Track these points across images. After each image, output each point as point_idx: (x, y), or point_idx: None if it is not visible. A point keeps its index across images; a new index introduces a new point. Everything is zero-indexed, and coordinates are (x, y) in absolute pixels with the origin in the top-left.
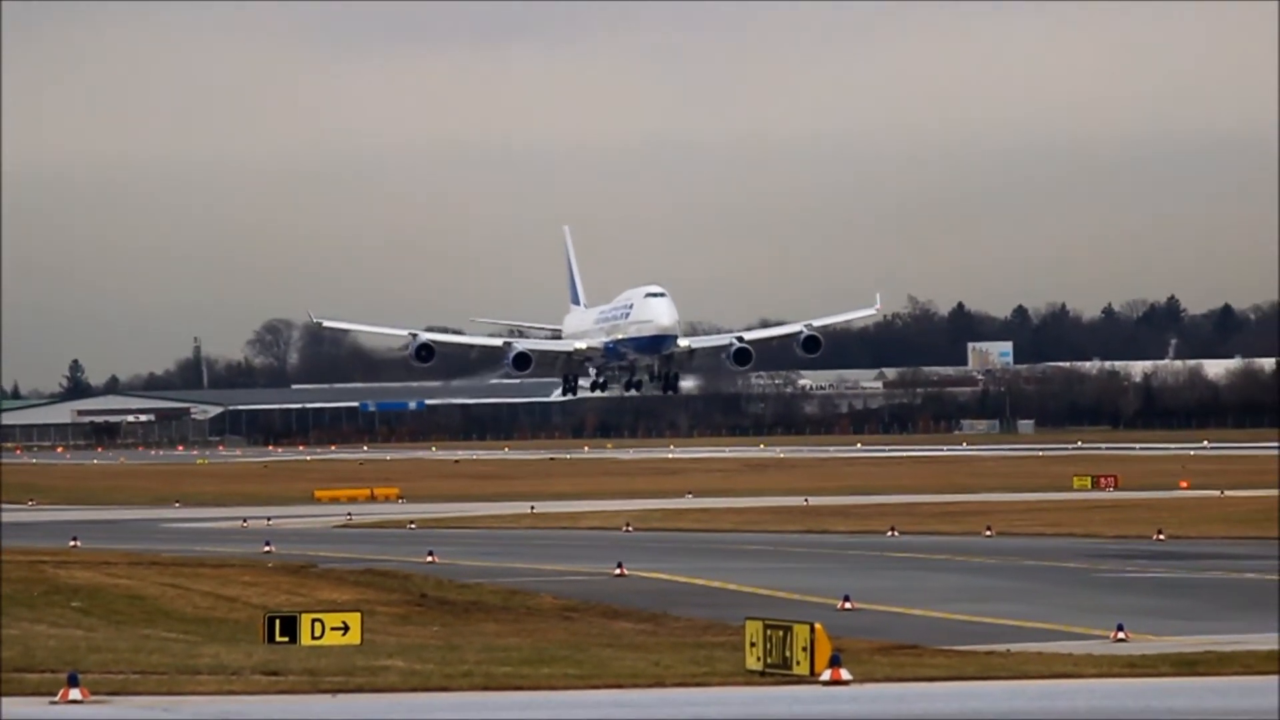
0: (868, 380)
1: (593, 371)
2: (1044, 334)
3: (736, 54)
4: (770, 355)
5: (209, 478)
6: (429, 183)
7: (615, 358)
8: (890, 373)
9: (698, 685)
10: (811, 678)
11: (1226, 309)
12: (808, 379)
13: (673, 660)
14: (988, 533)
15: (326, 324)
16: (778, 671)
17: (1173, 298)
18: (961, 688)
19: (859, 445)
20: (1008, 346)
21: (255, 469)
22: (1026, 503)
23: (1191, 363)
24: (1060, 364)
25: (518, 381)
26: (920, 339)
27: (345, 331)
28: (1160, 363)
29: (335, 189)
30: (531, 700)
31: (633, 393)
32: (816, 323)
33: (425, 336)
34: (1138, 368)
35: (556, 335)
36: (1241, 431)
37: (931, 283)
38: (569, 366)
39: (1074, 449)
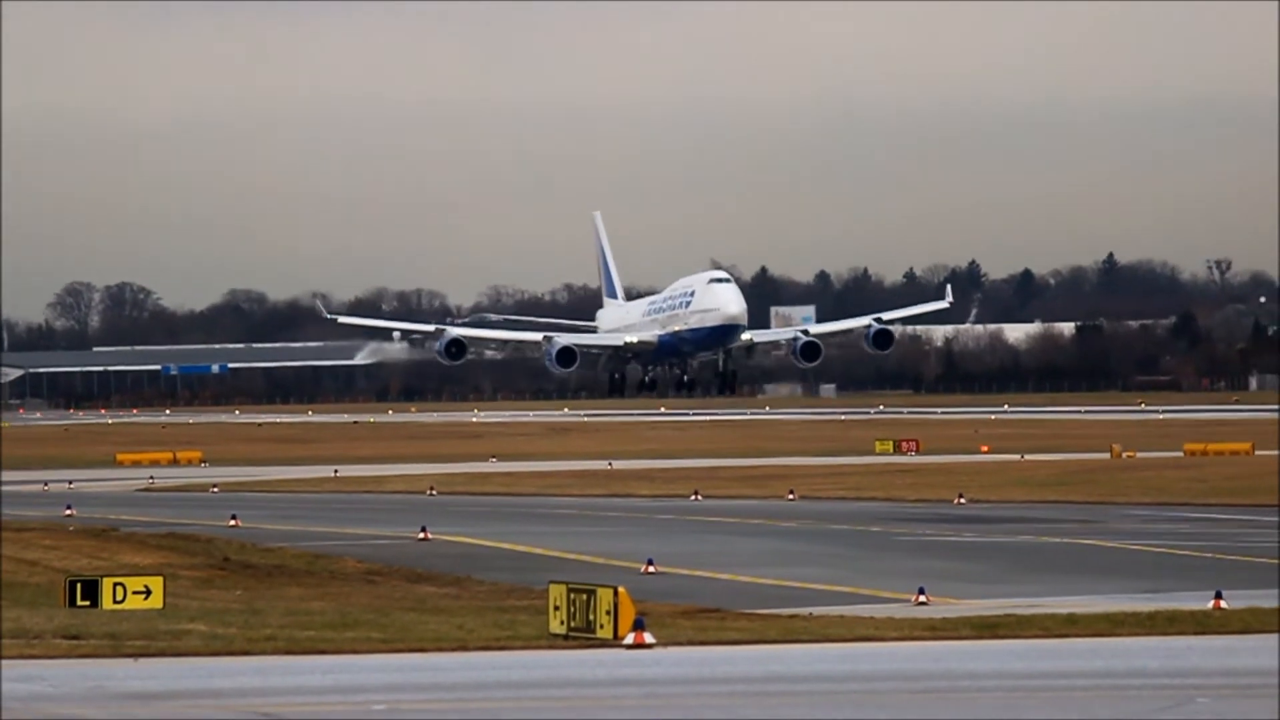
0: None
1: (639, 368)
2: (846, 298)
3: (530, 17)
4: (571, 320)
5: (9, 441)
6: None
7: (670, 352)
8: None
9: (501, 649)
10: (615, 641)
11: (1027, 274)
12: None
13: (476, 624)
14: (790, 496)
15: (341, 320)
16: (581, 635)
17: (973, 262)
18: (764, 651)
19: (662, 409)
20: (810, 311)
21: (56, 432)
22: (829, 466)
23: (992, 327)
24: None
25: (320, 345)
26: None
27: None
28: (961, 327)
29: (161, 150)
30: (335, 664)
31: (684, 393)
32: (886, 316)
33: (456, 331)
34: (939, 332)
35: (587, 332)
36: (1041, 395)
37: (735, 248)
38: (613, 363)
39: (876, 413)
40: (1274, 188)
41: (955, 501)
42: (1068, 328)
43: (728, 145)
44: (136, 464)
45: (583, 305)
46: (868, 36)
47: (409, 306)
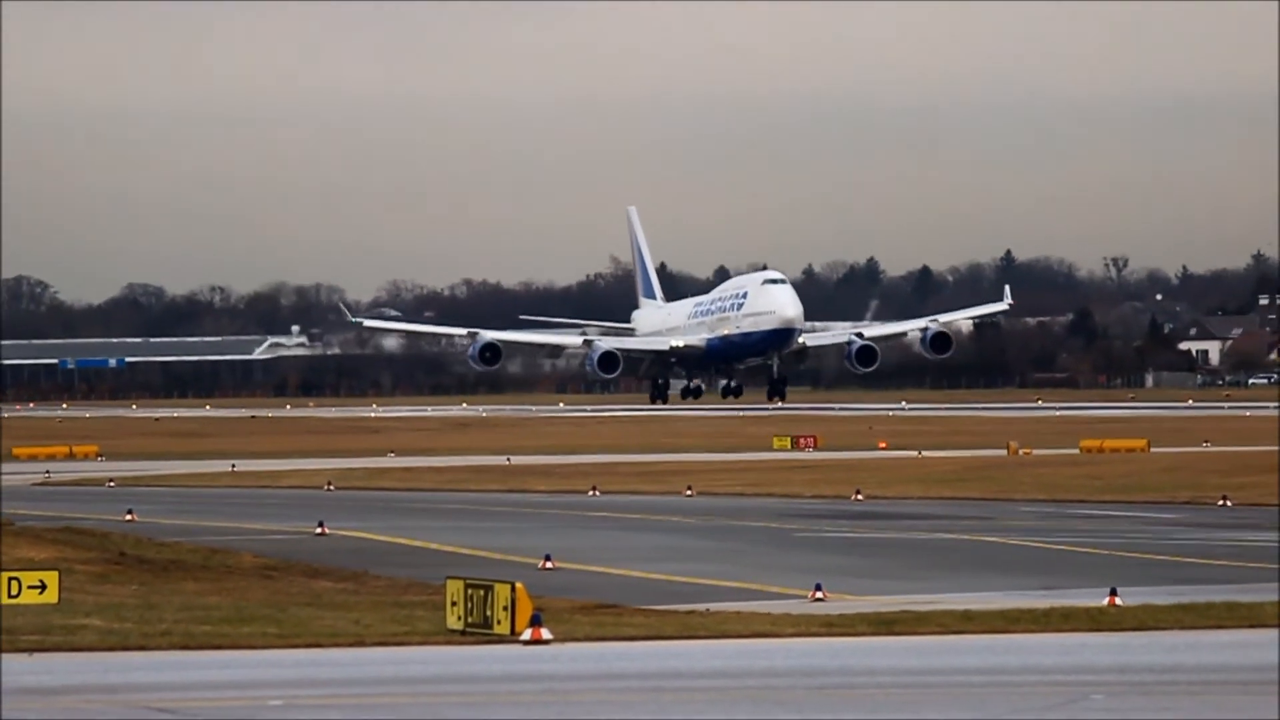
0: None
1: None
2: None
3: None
4: (472, 316)
5: None
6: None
7: (718, 357)
8: (593, 332)
9: (398, 644)
10: (512, 637)
11: (925, 271)
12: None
13: (373, 619)
14: (688, 492)
15: (367, 324)
16: (478, 631)
17: (872, 259)
18: (661, 647)
19: (561, 405)
20: None
21: None
22: (727, 463)
23: (889, 324)
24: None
25: (219, 339)
26: (624, 299)
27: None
28: (859, 324)
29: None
30: (231, 659)
31: (730, 400)
32: (943, 318)
33: (490, 335)
34: (838, 328)
35: (620, 334)
36: (939, 392)
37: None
38: (655, 368)
39: (774, 409)
40: (1171, 185)
41: (853, 498)
42: (966, 324)
43: (625, 138)
44: (33, 458)
45: (482, 301)
46: (775, 29)
47: (308, 301)
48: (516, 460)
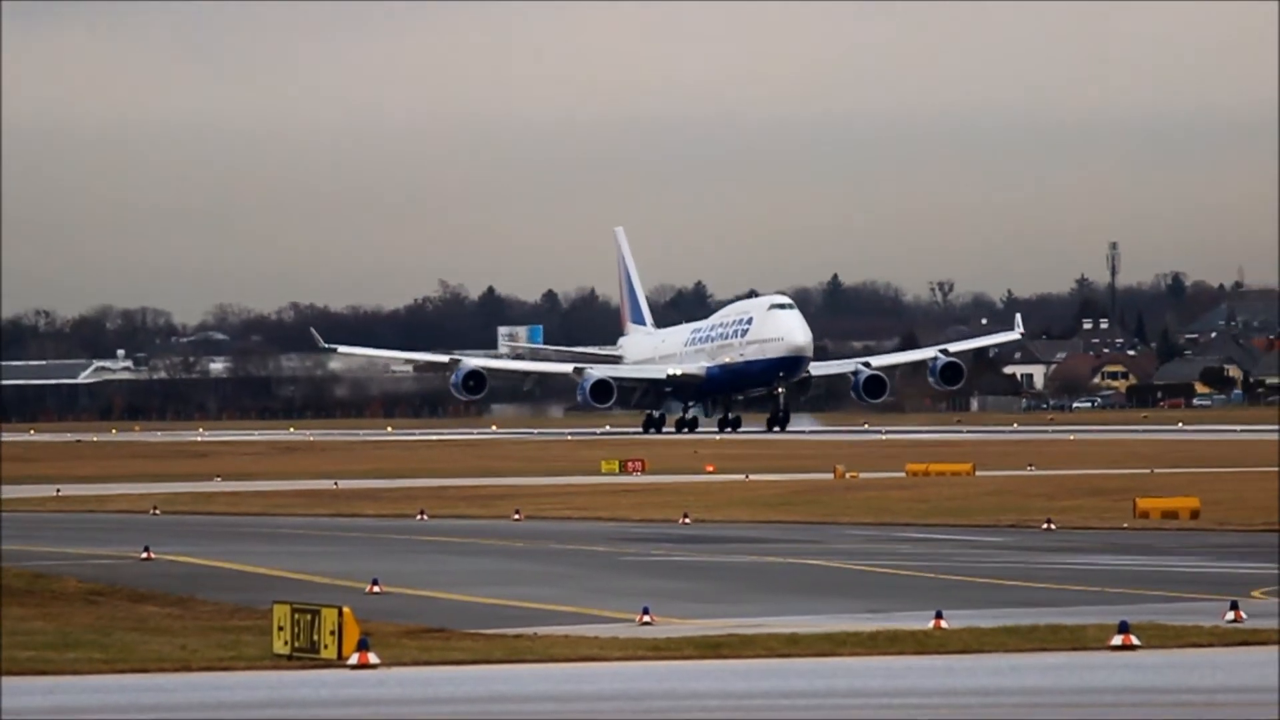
0: (398, 364)
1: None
2: (573, 318)
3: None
4: (299, 340)
5: None
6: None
7: (719, 386)
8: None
9: (224, 669)
10: (339, 661)
11: (752, 294)
12: (337, 363)
13: (199, 644)
14: (516, 516)
15: (341, 350)
16: (305, 655)
17: (700, 283)
18: (488, 671)
19: (389, 428)
20: (538, 330)
21: None
22: (555, 486)
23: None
24: (590, 349)
25: (43, 363)
26: (451, 323)
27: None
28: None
29: None
30: (56, 684)
31: (728, 432)
32: (953, 348)
33: (473, 363)
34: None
35: (607, 361)
36: (764, 414)
37: (461, 267)
38: (649, 397)
39: (603, 433)
40: (998, 209)
41: (680, 521)
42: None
43: (453, 161)
44: None
45: (309, 325)
46: (585, 50)
47: (134, 324)
48: (344, 484)
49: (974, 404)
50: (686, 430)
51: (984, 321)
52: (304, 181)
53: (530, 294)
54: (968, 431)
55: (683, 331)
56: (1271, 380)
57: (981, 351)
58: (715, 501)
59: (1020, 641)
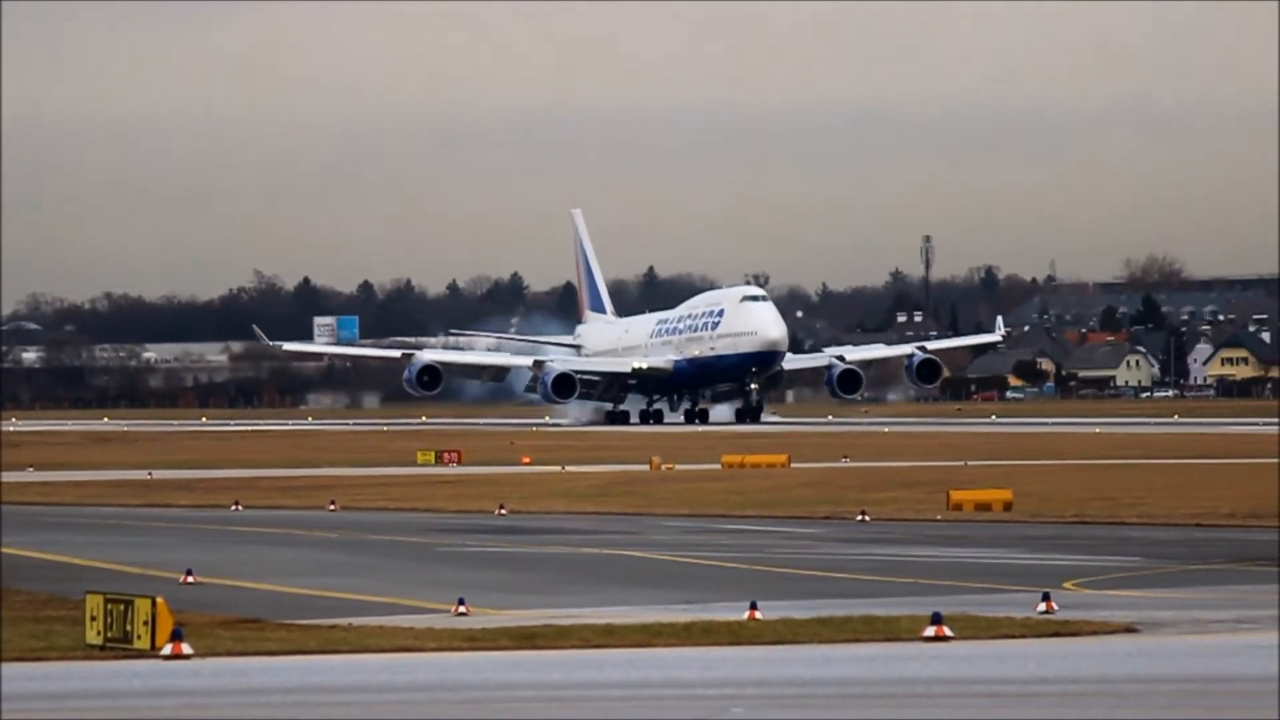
0: (214, 354)
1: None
2: (389, 309)
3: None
4: (113, 329)
5: None
6: None
7: (689, 380)
8: (236, 347)
9: (37, 659)
10: (153, 652)
11: (569, 286)
12: (152, 352)
13: (11, 634)
14: (332, 507)
15: (287, 347)
16: (118, 646)
17: (516, 274)
18: (304, 661)
19: (204, 419)
20: (352, 321)
21: None
22: (371, 477)
23: (534, 338)
24: (406, 339)
25: None
26: (267, 313)
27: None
28: (503, 338)
29: None
30: None
31: (696, 424)
32: (930, 345)
33: (428, 357)
34: (481, 343)
35: (565, 349)
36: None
37: (277, 257)
38: (612, 391)
39: (419, 424)
40: (813, 203)
41: (496, 512)
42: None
43: (270, 154)
44: None
45: (123, 315)
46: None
47: None
48: (158, 475)
49: (789, 396)
50: (652, 422)
51: (799, 314)
52: (121, 171)
53: (346, 285)
54: (783, 423)
55: (648, 322)
56: (1084, 374)
57: (798, 344)
58: (531, 493)
59: (834, 632)
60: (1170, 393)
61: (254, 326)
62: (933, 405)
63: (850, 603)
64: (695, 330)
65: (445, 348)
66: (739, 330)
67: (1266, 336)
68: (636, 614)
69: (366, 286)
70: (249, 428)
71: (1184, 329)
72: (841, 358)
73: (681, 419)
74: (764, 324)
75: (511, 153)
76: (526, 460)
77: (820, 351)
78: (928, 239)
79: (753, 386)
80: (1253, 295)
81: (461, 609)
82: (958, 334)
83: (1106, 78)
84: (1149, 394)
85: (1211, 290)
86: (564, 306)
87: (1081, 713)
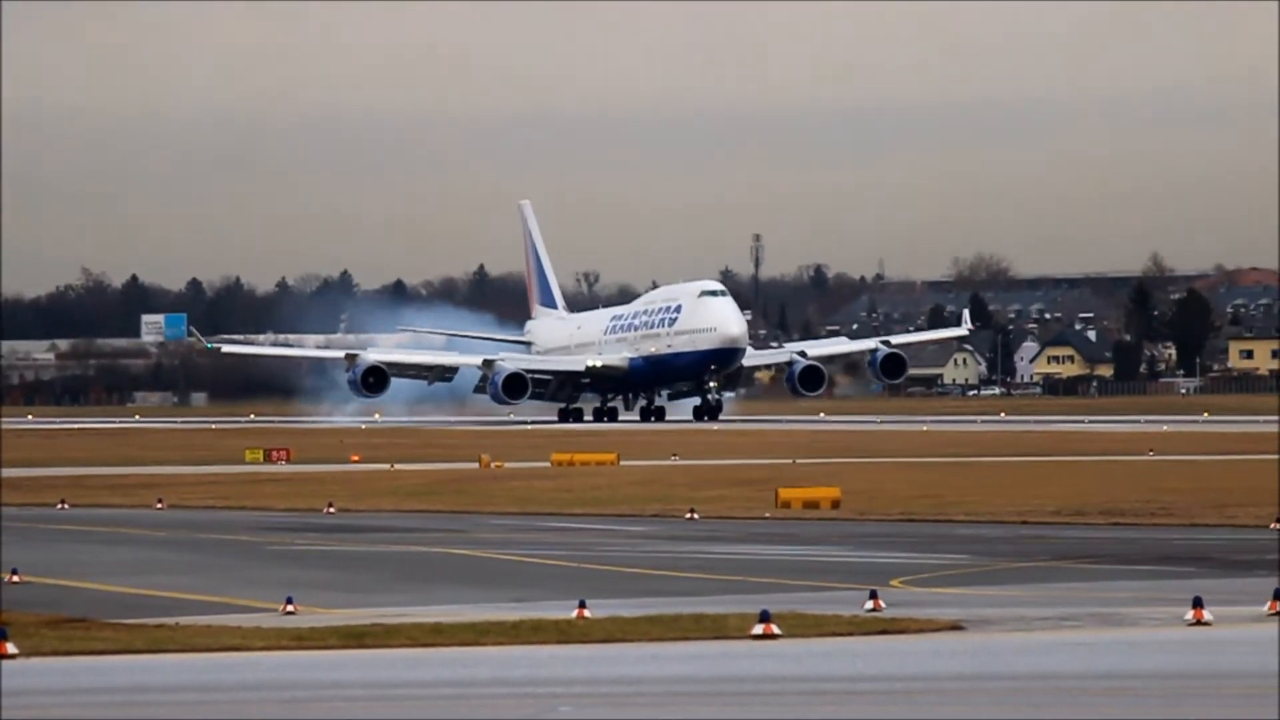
0: (39, 352)
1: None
2: (218, 307)
3: None
4: None
5: None
6: None
7: (645, 379)
8: (63, 344)
9: None
10: None
11: (399, 284)
12: None
13: None
14: (159, 505)
15: (225, 349)
16: None
17: (346, 273)
18: (130, 661)
19: (30, 417)
20: (180, 318)
21: None
22: (199, 475)
23: (364, 336)
24: (234, 337)
25: None
26: (94, 310)
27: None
28: (333, 336)
29: None
30: None
31: (653, 422)
32: (895, 340)
33: (373, 357)
34: (311, 341)
35: (515, 345)
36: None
37: (104, 254)
38: (565, 390)
39: (247, 422)
40: (637, 199)
41: (325, 510)
42: (439, 337)
43: (96, 150)
44: None
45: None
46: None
47: None
48: None
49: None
50: (606, 420)
51: None
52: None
53: (174, 282)
54: (610, 421)
55: (601, 318)
56: (911, 372)
57: None
58: (360, 491)
59: (663, 630)
60: (997, 390)
61: (190, 328)
62: (760, 403)
63: (679, 601)
64: (651, 327)
65: (275, 344)
66: (697, 327)
67: (1092, 335)
68: (465, 613)
69: (195, 284)
70: (76, 425)
71: (1011, 327)
72: (803, 354)
73: (637, 416)
74: (724, 320)
75: (334, 149)
76: (355, 458)
77: (771, 347)
78: (757, 238)
79: (712, 384)
80: (1079, 294)
81: (289, 608)
82: (786, 332)
83: (936, 77)
84: (976, 392)
85: (1038, 289)
86: (394, 305)
87: (908, 710)
